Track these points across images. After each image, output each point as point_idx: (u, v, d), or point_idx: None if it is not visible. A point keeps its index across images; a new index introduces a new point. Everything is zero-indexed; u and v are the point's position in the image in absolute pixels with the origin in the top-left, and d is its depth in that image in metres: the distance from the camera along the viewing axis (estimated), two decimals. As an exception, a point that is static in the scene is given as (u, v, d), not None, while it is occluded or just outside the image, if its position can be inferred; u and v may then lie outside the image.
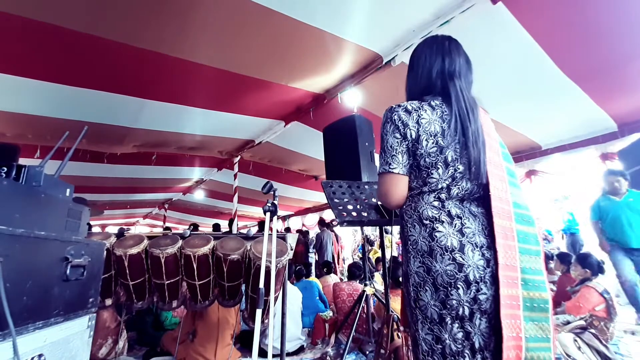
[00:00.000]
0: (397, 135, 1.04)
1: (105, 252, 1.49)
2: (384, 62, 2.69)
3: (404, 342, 2.09)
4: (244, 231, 2.66)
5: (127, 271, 2.10)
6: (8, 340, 0.85)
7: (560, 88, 2.85)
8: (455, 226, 0.99)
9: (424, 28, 2.34)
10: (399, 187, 1.06)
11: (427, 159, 1.02)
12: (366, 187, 2.04)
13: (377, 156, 2.80)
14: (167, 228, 7.78)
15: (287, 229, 8.37)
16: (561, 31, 2.31)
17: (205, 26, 2.27)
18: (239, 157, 4.99)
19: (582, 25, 2.26)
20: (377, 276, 5.10)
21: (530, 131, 3.81)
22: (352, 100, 3.22)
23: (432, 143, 1.01)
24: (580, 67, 2.64)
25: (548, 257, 4.27)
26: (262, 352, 2.53)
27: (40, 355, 0.98)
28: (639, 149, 3.41)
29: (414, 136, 1.03)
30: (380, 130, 1.10)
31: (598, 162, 3.81)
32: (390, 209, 1.15)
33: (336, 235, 6.97)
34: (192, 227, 6.31)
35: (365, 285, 2.55)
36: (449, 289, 0.95)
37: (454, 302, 0.94)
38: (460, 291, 0.94)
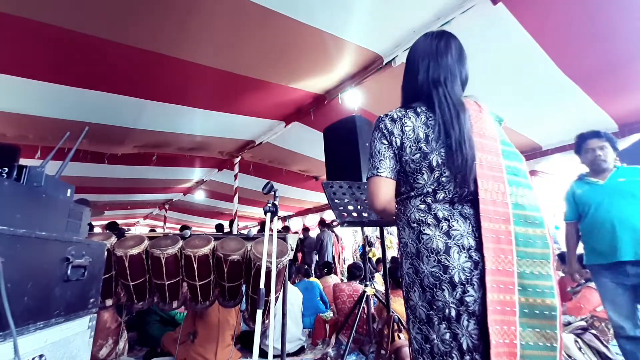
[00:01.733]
0: (384, 141, 1.08)
1: (106, 252, 1.49)
2: (384, 63, 2.69)
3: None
4: (245, 232, 2.66)
5: (128, 272, 2.11)
6: (9, 340, 0.85)
7: (561, 88, 2.84)
8: (442, 229, 0.99)
9: (425, 28, 2.34)
10: (384, 190, 1.08)
11: (411, 165, 1.04)
12: (366, 187, 2.04)
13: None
14: (152, 230, 7.80)
15: (285, 228, 8.34)
16: (562, 31, 2.31)
17: (206, 27, 2.27)
18: (240, 157, 4.99)
19: (582, 26, 2.26)
20: (378, 277, 5.11)
21: (531, 131, 3.81)
22: (353, 100, 3.22)
23: (416, 149, 1.04)
24: (581, 68, 2.64)
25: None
26: (263, 353, 2.53)
27: (41, 356, 0.98)
28: (639, 150, 3.37)
29: (398, 144, 1.06)
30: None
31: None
32: (376, 213, 1.15)
33: (336, 236, 6.97)
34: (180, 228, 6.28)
35: (366, 285, 2.55)
36: (434, 290, 0.96)
37: (440, 303, 0.96)
38: (446, 292, 0.95)
